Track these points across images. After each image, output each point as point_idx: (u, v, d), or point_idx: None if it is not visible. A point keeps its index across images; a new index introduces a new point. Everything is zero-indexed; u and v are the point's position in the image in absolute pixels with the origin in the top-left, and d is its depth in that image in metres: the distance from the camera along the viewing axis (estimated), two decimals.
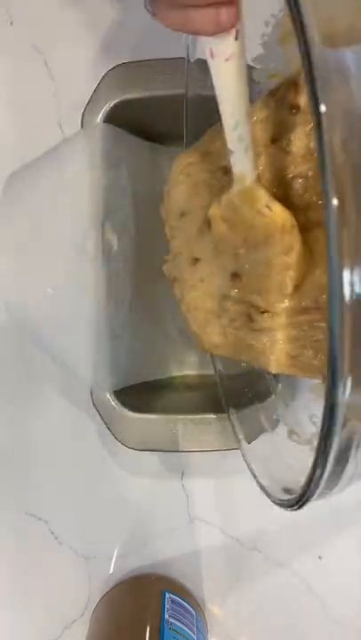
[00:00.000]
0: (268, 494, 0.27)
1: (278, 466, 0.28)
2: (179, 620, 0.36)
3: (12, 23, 0.43)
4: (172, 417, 0.36)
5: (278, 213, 0.26)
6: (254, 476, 0.29)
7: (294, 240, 0.26)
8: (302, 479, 0.22)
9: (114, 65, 0.35)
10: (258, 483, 0.29)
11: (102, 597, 0.42)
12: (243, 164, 0.26)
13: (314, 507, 0.43)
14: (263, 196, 0.26)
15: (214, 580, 0.42)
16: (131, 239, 0.42)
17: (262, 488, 0.28)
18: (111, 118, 0.36)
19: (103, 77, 0.35)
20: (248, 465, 0.31)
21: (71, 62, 0.42)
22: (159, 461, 0.42)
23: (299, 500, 0.22)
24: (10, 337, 0.43)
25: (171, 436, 0.35)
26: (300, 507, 0.22)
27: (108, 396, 0.36)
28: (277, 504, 0.25)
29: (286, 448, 0.29)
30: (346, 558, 0.42)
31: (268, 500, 0.42)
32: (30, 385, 0.43)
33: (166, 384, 0.43)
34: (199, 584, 0.42)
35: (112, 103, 0.35)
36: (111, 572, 0.42)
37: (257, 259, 0.29)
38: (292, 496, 0.24)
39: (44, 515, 0.43)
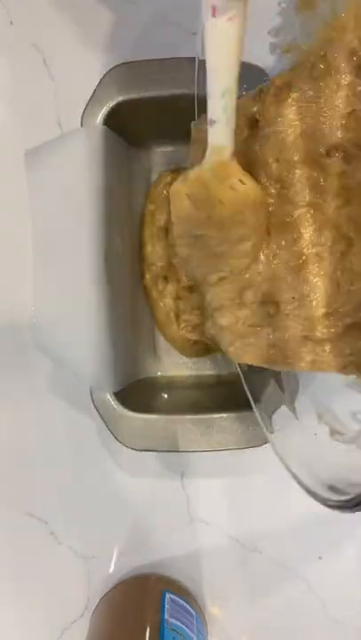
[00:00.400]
0: (312, 494, 0.25)
1: (321, 465, 0.27)
2: (179, 620, 0.36)
3: (11, 23, 0.43)
4: (172, 417, 0.36)
5: (252, 188, 0.26)
6: (293, 475, 0.28)
7: (262, 219, 0.26)
8: (354, 477, 0.21)
9: (114, 65, 0.35)
10: (298, 481, 0.27)
11: (102, 597, 0.42)
12: (223, 135, 0.25)
13: (314, 507, 0.44)
14: (238, 170, 0.26)
15: (214, 580, 0.42)
16: (129, 240, 0.42)
17: (304, 487, 0.26)
18: (111, 118, 0.36)
19: (103, 77, 0.35)
20: (283, 461, 0.29)
21: (71, 62, 0.42)
22: (159, 461, 0.42)
23: (358, 502, 0.21)
24: (10, 337, 0.43)
25: (171, 436, 0.35)
26: (357, 508, 0.21)
27: (108, 396, 0.36)
28: (327, 505, 0.24)
29: (329, 448, 0.28)
30: (346, 558, 0.42)
31: (268, 501, 0.42)
32: (30, 385, 0.43)
33: (166, 384, 0.43)
34: (199, 584, 0.42)
35: (112, 103, 0.35)
36: (111, 571, 0.42)
37: (211, 243, 0.28)
38: (344, 497, 0.22)
39: (44, 515, 0.43)
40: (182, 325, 0.42)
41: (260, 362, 0.28)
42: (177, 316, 0.42)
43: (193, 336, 0.42)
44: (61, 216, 0.36)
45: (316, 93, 0.25)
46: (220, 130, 0.25)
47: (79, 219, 0.35)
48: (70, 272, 0.36)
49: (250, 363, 0.29)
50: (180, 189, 0.28)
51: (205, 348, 0.43)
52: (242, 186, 0.25)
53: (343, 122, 0.25)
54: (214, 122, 0.25)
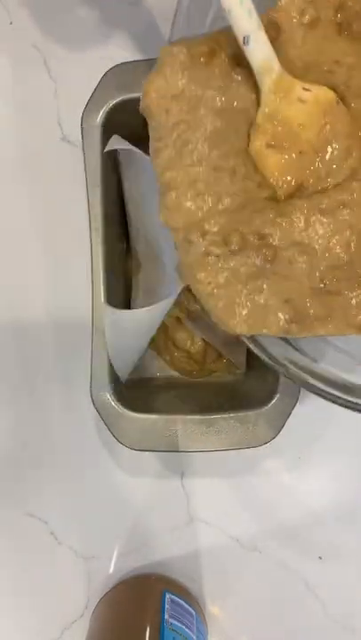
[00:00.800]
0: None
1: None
2: (179, 620, 0.36)
3: (11, 23, 0.43)
4: (172, 417, 0.36)
5: (319, 89, 0.24)
6: (331, 396, 0.26)
7: (348, 121, 0.24)
8: None
9: (113, 65, 0.35)
10: (337, 400, 0.26)
11: (102, 597, 0.42)
12: (262, 47, 0.23)
13: (314, 506, 0.44)
14: (294, 80, 0.24)
15: (214, 580, 0.42)
16: (128, 238, 0.42)
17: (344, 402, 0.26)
18: (111, 118, 0.36)
19: (103, 77, 0.35)
20: (315, 390, 0.27)
21: (71, 62, 0.42)
22: (159, 461, 0.42)
23: None
24: (10, 337, 0.43)
25: (171, 436, 0.35)
26: None
27: (108, 396, 0.36)
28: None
29: None
30: (346, 558, 0.42)
31: (268, 501, 0.42)
32: (30, 385, 0.43)
33: (166, 384, 0.43)
34: (199, 584, 0.42)
35: (112, 103, 0.35)
36: (111, 571, 0.42)
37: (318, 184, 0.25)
38: None
39: (44, 515, 0.43)
40: (176, 355, 0.42)
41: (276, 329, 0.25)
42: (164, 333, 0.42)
43: (189, 366, 0.42)
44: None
45: (305, 39, 0.25)
46: (257, 43, 0.23)
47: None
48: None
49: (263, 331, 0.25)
50: (258, 145, 0.25)
51: (205, 370, 0.43)
52: (309, 93, 0.24)
53: (329, 68, 0.24)
54: (248, 37, 0.23)
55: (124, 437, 0.36)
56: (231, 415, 0.35)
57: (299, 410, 0.35)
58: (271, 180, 0.25)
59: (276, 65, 0.24)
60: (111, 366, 0.36)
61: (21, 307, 0.43)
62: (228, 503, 0.42)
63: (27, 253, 0.43)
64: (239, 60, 0.25)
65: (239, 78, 0.25)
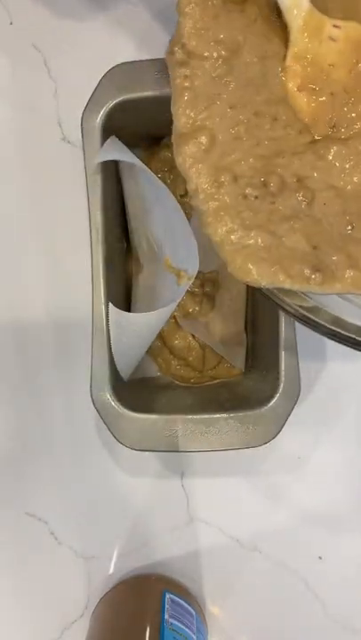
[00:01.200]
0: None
1: None
2: (179, 620, 0.36)
3: (11, 23, 0.43)
4: (172, 417, 0.36)
5: (351, 26, 0.23)
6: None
7: None
8: None
9: (114, 65, 0.35)
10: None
11: (102, 597, 0.42)
12: None
13: (314, 506, 0.44)
14: (325, 17, 0.23)
15: (214, 580, 0.42)
16: (128, 238, 0.42)
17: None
18: (111, 118, 0.36)
19: (103, 77, 0.35)
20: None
21: (71, 62, 0.42)
22: (159, 461, 0.42)
23: None
24: (10, 337, 0.43)
25: (171, 436, 0.35)
26: None
27: (108, 396, 0.36)
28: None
29: None
30: (346, 558, 0.42)
31: (268, 501, 0.42)
32: (30, 385, 0.43)
33: (166, 384, 0.43)
34: (199, 584, 0.42)
35: (112, 103, 0.35)
36: (111, 572, 0.42)
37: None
38: None
39: (44, 515, 0.43)
40: (173, 363, 0.42)
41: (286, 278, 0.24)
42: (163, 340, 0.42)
43: (187, 374, 0.42)
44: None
45: None
46: None
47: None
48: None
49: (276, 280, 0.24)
50: (290, 88, 0.24)
51: (204, 377, 0.42)
52: (339, 30, 0.23)
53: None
54: None
55: (124, 437, 0.36)
56: (231, 415, 0.35)
57: (299, 410, 0.35)
58: (306, 121, 0.25)
59: (304, 3, 0.23)
60: (111, 366, 0.36)
61: (21, 307, 0.43)
62: (228, 503, 0.42)
63: (27, 253, 0.43)
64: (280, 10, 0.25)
65: (278, 25, 0.25)
